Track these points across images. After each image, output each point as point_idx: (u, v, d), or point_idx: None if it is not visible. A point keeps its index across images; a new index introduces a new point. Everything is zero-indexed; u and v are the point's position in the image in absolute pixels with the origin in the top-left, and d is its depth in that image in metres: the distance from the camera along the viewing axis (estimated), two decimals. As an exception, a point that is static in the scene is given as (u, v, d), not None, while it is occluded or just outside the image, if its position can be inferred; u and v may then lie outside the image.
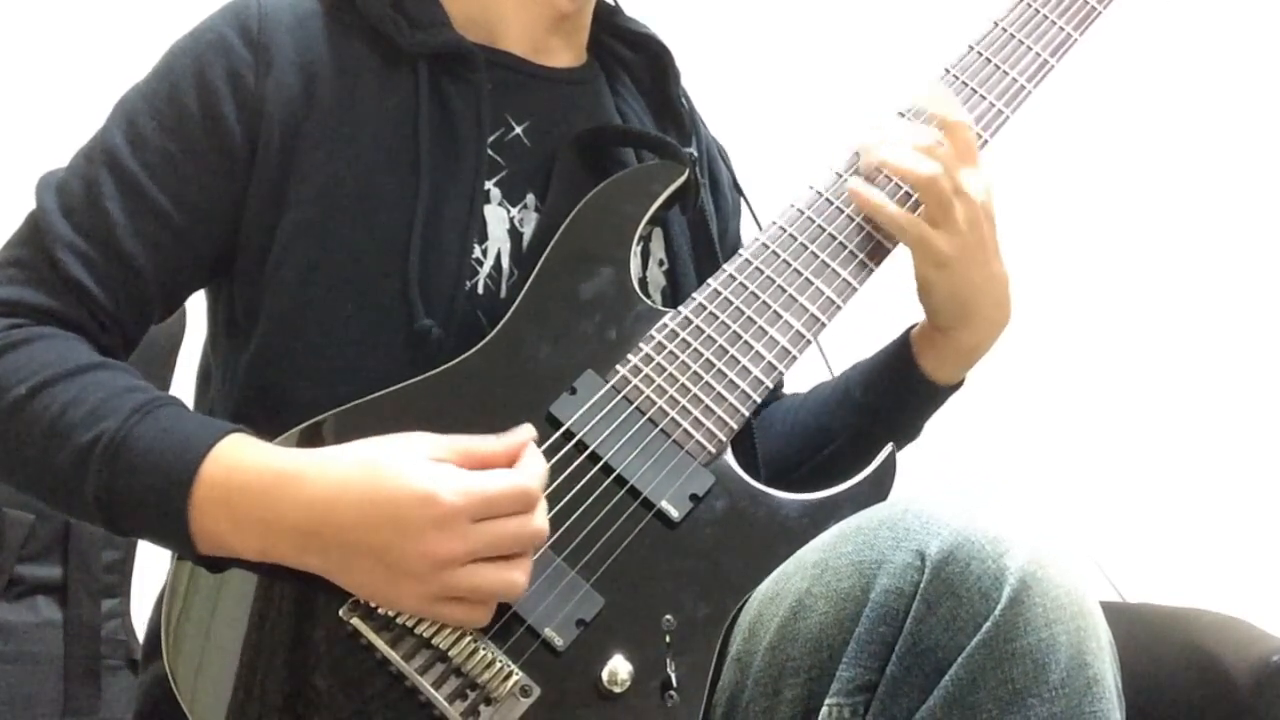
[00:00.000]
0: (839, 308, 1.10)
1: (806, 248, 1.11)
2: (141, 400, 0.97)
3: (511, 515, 0.91)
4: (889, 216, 1.10)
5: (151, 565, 1.48)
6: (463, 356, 1.04)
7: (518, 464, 0.94)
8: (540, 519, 0.93)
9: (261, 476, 0.93)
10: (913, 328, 1.19)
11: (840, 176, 1.14)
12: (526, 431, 0.96)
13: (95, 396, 0.97)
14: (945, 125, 1.10)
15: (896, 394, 1.19)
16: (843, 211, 1.12)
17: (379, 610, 0.92)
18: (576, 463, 1.00)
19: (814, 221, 1.12)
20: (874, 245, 1.12)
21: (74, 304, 1.03)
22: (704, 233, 1.22)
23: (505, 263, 1.12)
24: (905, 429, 1.21)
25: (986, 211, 1.09)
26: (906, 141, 1.09)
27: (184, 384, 1.06)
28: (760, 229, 1.19)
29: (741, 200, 1.31)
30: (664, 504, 1.00)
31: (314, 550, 0.92)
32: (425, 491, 0.89)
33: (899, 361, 1.18)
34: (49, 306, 1.02)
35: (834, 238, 1.12)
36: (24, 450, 0.97)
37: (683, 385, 1.04)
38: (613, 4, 1.27)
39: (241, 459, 0.94)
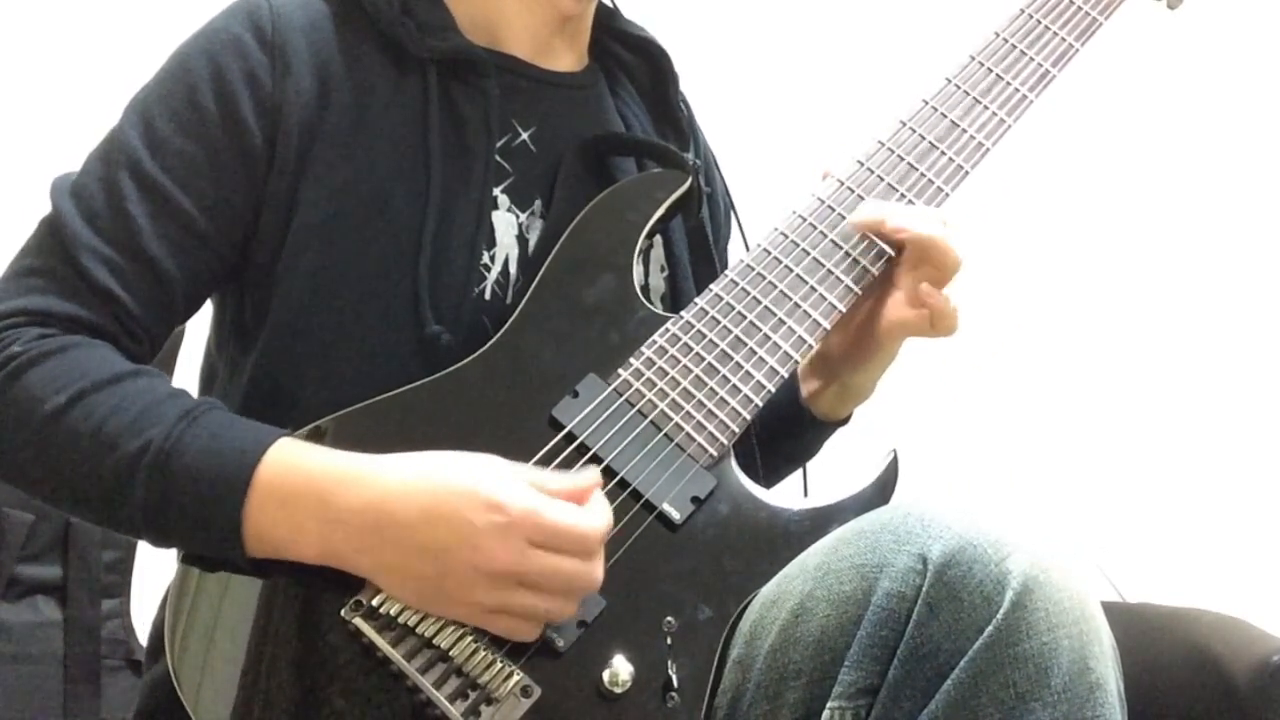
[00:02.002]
0: (841, 312, 1.09)
1: (809, 253, 1.11)
2: (186, 407, 0.97)
3: (570, 555, 0.91)
4: (938, 244, 1.08)
5: (151, 565, 1.48)
6: (466, 360, 1.04)
7: (586, 507, 0.93)
8: (598, 568, 0.93)
9: (320, 477, 0.93)
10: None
11: (842, 184, 1.14)
12: (593, 476, 0.95)
13: (137, 405, 0.96)
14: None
15: (791, 432, 1.22)
16: (845, 218, 1.12)
17: (381, 610, 0.92)
18: (578, 465, 1.00)
19: (816, 227, 1.12)
20: (876, 251, 1.12)
21: (103, 311, 1.02)
22: (703, 240, 1.22)
23: (513, 269, 1.12)
24: (798, 458, 1.25)
25: None
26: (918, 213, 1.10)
27: (184, 384, 1.06)
28: (746, 242, 1.18)
29: (731, 211, 1.31)
30: (665, 506, 1.00)
31: (370, 549, 0.92)
32: (492, 498, 0.90)
33: (792, 407, 1.20)
34: (77, 314, 1.01)
35: (836, 244, 1.11)
36: (65, 461, 0.96)
37: (685, 389, 1.04)
38: (611, 6, 1.27)
39: (298, 461, 0.95)
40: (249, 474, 0.93)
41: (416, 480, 0.92)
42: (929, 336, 1.11)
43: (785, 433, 1.22)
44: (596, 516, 0.93)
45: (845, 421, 1.25)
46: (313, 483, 0.93)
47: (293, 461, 0.94)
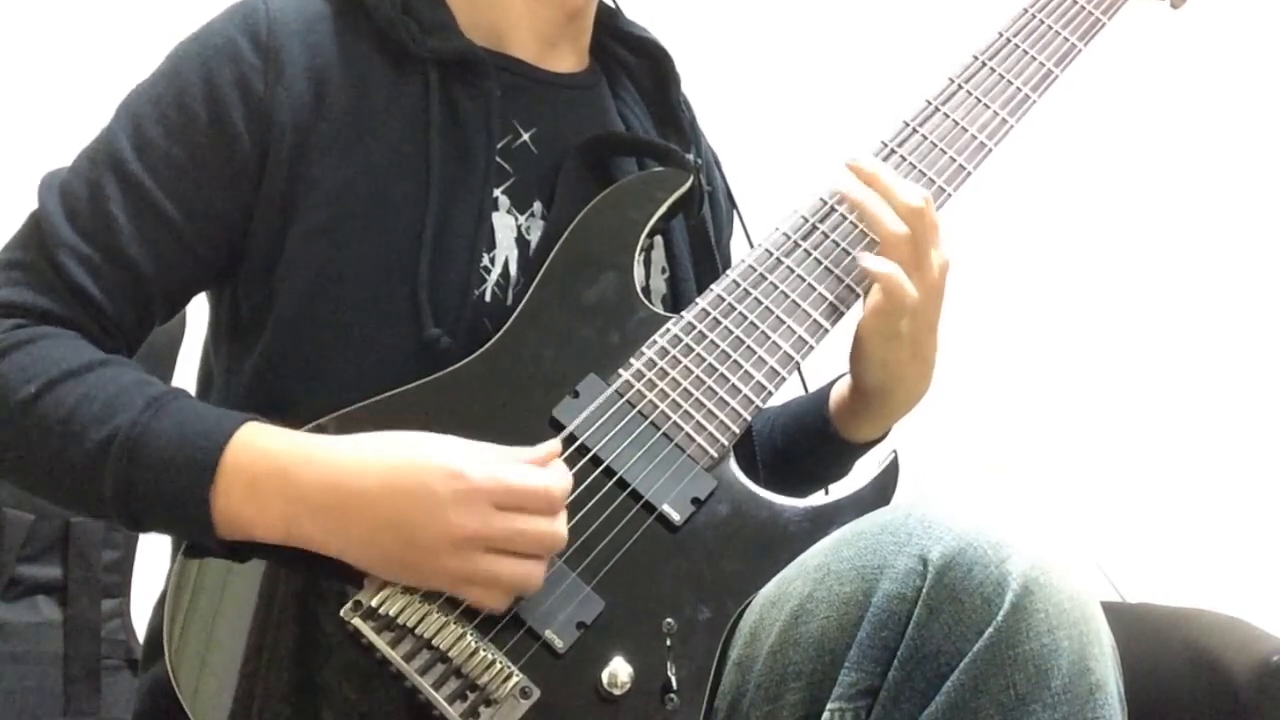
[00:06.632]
0: (843, 313, 1.09)
1: (810, 254, 1.11)
2: (153, 394, 0.98)
3: (534, 514, 0.92)
4: (888, 232, 1.07)
5: (151, 565, 1.48)
6: (466, 360, 1.04)
7: (546, 468, 0.95)
8: (561, 525, 0.94)
9: (285, 458, 0.94)
10: (834, 383, 1.21)
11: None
12: (553, 445, 0.97)
13: (105, 393, 0.97)
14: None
15: (813, 449, 1.21)
16: (847, 218, 1.12)
17: (380, 610, 0.92)
18: (578, 466, 1.00)
19: (818, 228, 1.12)
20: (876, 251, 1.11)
21: (76, 308, 1.03)
22: (704, 240, 1.22)
23: (513, 270, 1.11)
24: (825, 477, 1.23)
25: (938, 290, 1.09)
26: (892, 192, 1.07)
27: (183, 384, 1.06)
28: (750, 240, 1.18)
29: (734, 211, 1.31)
30: (665, 507, 1.00)
31: (337, 528, 0.92)
32: (453, 467, 0.91)
33: (817, 421, 1.20)
34: (51, 310, 1.02)
35: (838, 243, 1.11)
36: (37, 451, 0.98)
37: (685, 389, 1.04)
38: (613, 6, 1.27)
39: (264, 443, 0.96)
40: (215, 459, 0.94)
41: (374, 456, 0.93)
42: (893, 314, 1.06)
43: (811, 452, 1.21)
44: (557, 475, 0.94)
45: (870, 445, 1.21)
46: (277, 464, 0.94)
47: (258, 444, 0.95)
